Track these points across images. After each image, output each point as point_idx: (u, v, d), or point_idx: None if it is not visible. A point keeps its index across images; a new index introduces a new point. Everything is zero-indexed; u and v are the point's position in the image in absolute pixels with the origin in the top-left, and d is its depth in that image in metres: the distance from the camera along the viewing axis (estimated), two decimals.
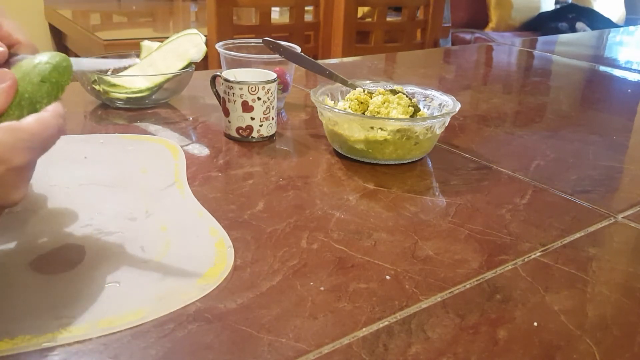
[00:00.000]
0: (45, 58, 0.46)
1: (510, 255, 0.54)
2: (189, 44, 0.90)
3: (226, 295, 0.45)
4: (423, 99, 0.81)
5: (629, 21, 3.82)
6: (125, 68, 0.90)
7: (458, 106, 0.74)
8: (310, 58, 0.84)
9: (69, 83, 0.47)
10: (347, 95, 0.78)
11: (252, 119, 0.76)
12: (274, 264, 0.50)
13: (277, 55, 0.84)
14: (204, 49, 0.90)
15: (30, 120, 0.41)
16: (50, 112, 0.43)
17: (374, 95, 0.76)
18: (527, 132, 0.91)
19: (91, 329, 0.40)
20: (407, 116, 0.73)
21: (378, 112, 0.73)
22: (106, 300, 0.43)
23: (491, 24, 3.38)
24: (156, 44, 0.94)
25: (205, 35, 0.91)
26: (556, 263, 0.53)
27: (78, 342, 0.39)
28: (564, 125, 0.96)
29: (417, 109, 0.75)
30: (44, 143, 0.41)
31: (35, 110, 0.43)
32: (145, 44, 0.95)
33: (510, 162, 0.77)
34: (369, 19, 2.10)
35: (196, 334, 0.41)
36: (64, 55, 0.48)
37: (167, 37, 0.93)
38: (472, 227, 0.59)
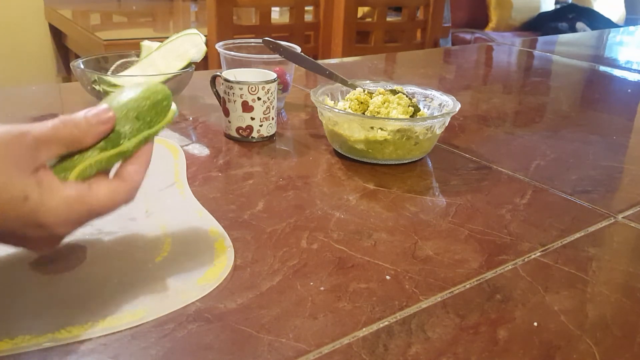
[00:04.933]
0: (148, 93, 0.43)
1: (510, 255, 0.54)
2: (189, 44, 0.90)
3: (226, 295, 0.45)
4: (423, 99, 0.81)
5: (629, 21, 3.82)
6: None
7: (458, 106, 0.74)
8: (310, 58, 0.84)
9: (165, 124, 0.44)
10: (347, 95, 0.78)
11: (252, 119, 0.76)
12: (274, 264, 0.50)
13: (277, 55, 0.84)
14: (204, 49, 0.90)
15: (101, 193, 0.39)
16: (128, 182, 0.41)
17: (374, 95, 0.76)
18: (527, 132, 0.91)
19: (91, 329, 0.40)
20: (407, 116, 0.73)
21: (378, 112, 0.73)
22: (106, 300, 0.43)
23: (491, 24, 3.38)
24: (156, 44, 0.94)
25: (205, 35, 0.91)
26: (556, 263, 0.53)
27: (78, 342, 0.39)
28: (564, 125, 0.96)
29: (417, 109, 0.75)
30: (99, 216, 0.40)
31: (119, 145, 0.41)
32: (145, 44, 0.95)
33: (510, 162, 0.76)
34: (369, 19, 2.10)
35: (196, 334, 0.41)
36: (167, 91, 0.45)
37: (167, 37, 0.93)
38: (472, 227, 0.59)
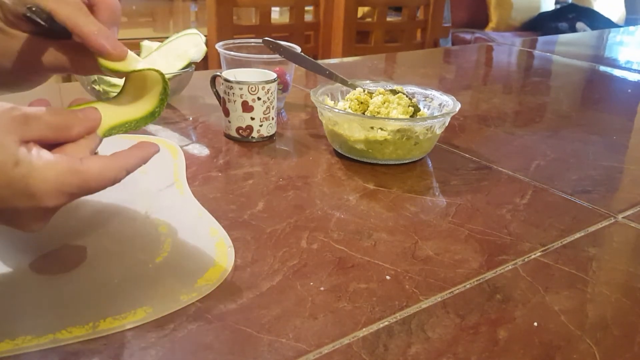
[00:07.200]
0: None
1: (510, 256, 0.54)
2: (189, 44, 0.90)
3: (226, 296, 0.45)
4: (423, 99, 0.81)
5: (629, 21, 3.82)
6: None
7: (458, 106, 0.74)
8: (310, 58, 0.84)
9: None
10: (347, 95, 0.78)
11: (252, 119, 0.76)
12: (274, 264, 0.50)
13: (277, 55, 0.84)
14: (204, 49, 0.90)
15: (93, 166, 0.38)
16: (119, 160, 0.41)
17: (374, 95, 0.76)
18: (527, 132, 0.91)
19: (91, 329, 0.40)
20: (407, 116, 0.73)
21: (378, 112, 0.73)
22: (106, 300, 0.43)
23: (491, 24, 3.38)
24: (156, 44, 0.94)
25: (205, 35, 0.91)
26: (556, 263, 0.53)
27: (79, 342, 0.39)
28: (564, 125, 0.96)
29: (417, 109, 0.75)
30: (89, 192, 0.39)
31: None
32: (145, 44, 0.95)
33: (510, 162, 0.76)
34: (369, 19, 2.10)
35: (196, 334, 0.41)
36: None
37: (167, 37, 0.93)
38: (472, 227, 0.58)
